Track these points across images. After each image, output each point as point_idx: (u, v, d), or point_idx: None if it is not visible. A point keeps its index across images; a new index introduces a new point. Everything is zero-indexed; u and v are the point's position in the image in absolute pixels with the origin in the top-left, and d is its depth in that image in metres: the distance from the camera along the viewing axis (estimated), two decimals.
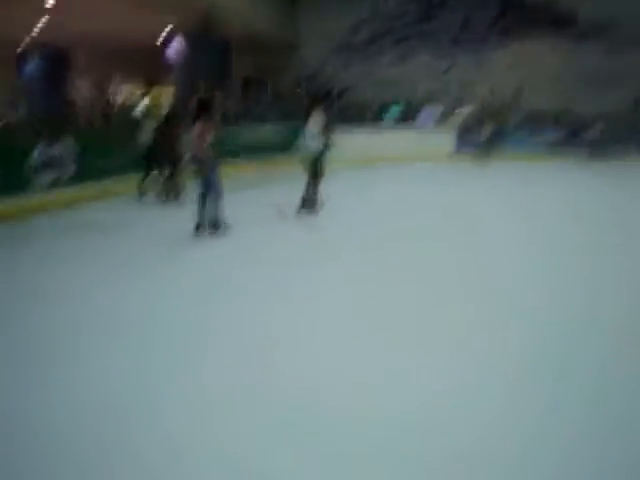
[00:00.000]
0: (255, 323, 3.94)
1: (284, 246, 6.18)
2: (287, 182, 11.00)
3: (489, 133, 16.37)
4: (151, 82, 24.46)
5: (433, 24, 23.08)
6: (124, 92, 20.35)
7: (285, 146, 15.32)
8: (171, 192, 9.48)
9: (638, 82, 19.73)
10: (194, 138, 6.17)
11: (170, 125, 9.39)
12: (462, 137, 17.12)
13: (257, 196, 9.76)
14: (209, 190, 6.24)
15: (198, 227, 6.44)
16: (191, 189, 9.92)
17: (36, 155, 8.56)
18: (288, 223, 7.46)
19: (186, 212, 7.79)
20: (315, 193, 7.84)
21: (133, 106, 15.76)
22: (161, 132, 9.42)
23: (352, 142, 15.84)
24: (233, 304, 4.27)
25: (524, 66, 21.25)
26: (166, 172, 9.49)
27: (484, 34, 22.65)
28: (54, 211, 8.42)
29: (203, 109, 6.32)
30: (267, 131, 15.23)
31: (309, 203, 7.90)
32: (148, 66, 22.08)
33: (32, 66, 20.67)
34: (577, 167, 14.84)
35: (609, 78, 20.74)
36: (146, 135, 9.62)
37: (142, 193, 9.62)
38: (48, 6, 14.90)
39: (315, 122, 7.61)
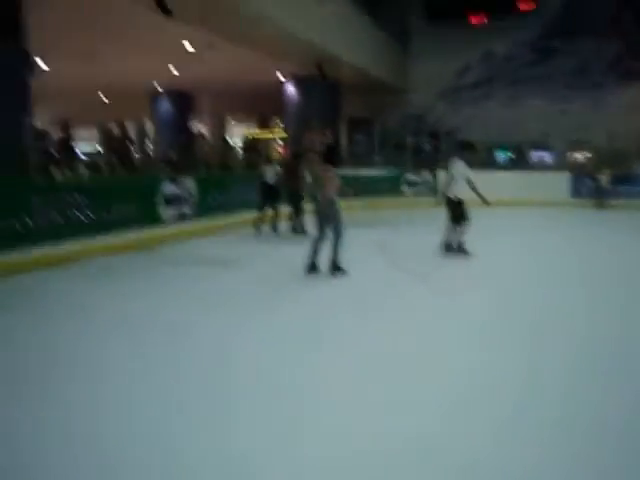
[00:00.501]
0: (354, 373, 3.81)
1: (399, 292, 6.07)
2: (394, 223, 11.12)
3: (607, 179, 15.40)
4: (267, 122, 26.07)
5: (547, 68, 22.49)
6: (241, 133, 21.65)
7: (390, 189, 15.54)
8: (295, 229, 10.04)
9: None
10: (322, 180, 6.34)
11: (294, 166, 9.90)
12: (578, 183, 16.22)
13: (369, 235, 9.82)
14: (333, 232, 6.33)
15: (311, 267, 6.51)
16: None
17: (163, 191, 9.33)
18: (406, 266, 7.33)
19: (300, 250, 8.08)
20: (460, 237, 7.93)
21: (249, 147, 16.66)
22: (285, 172, 10.08)
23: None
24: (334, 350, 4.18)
25: None
26: (289, 210, 10.12)
27: (601, 78, 21.69)
28: (177, 243, 9.04)
29: (331, 153, 6.62)
30: (373, 173, 15.42)
31: (451, 247, 7.95)
32: (264, 108, 23.54)
33: (162, 108, 22.84)
34: None
35: None
36: (267, 175, 10.24)
37: (259, 230, 10.18)
38: (179, 56, 16.30)
39: (458, 167, 7.78)
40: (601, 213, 14.78)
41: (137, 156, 12.63)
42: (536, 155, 19.84)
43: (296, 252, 7.92)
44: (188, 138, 16.68)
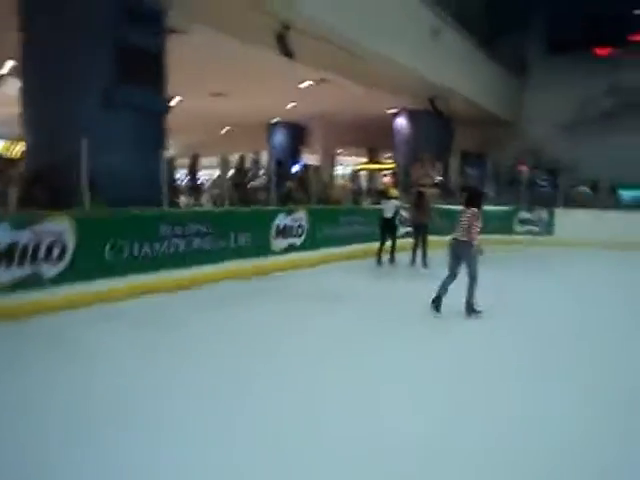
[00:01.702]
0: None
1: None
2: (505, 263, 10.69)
3: None
4: (376, 154, 26.42)
5: None
6: (352, 165, 22.04)
7: (502, 227, 14.89)
8: (422, 260, 10.53)
9: None
10: (462, 223, 6.44)
11: (420, 200, 10.89)
12: None
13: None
14: (468, 274, 6.42)
15: (436, 301, 6.55)
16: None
17: (277, 222, 9.78)
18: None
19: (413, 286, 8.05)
20: None
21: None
22: (413, 206, 11.01)
23: (584, 224, 14.64)
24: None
25: None
26: (414, 242, 10.74)
27: None
28: (285, 273, 9.39)
29: (475, 198, 6.67)
30: (485, 209, 14.88)
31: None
32: (375, 140, 23.91)
33: (278, 137, 24.10)
34: None
35: None
36: (386, 209, 10.85)
37: (379, 262, 10.73)
38: (295, 91, 17.15)
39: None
40: None
41: (254, 186, 13.31)
42: None
43: (406, 287, 7.96)
44: (302, 170, 17.29)
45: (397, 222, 11.16)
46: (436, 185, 16.61)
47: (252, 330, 5.85)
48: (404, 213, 12.17)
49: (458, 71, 16.93)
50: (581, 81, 21.84)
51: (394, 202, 10.95)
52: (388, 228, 10.83)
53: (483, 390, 4.26)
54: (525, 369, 4.82)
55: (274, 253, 9.74)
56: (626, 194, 18.19)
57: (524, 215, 15.62)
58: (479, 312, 6.50)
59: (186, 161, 15.07)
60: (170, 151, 12.06)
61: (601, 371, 4.78)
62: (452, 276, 6.54)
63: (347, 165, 26.14)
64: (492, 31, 20.93)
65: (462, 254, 6.43)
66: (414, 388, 4.28)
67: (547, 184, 18.19)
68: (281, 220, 9.91)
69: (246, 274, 8.71)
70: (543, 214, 15.59)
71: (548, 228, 15.46)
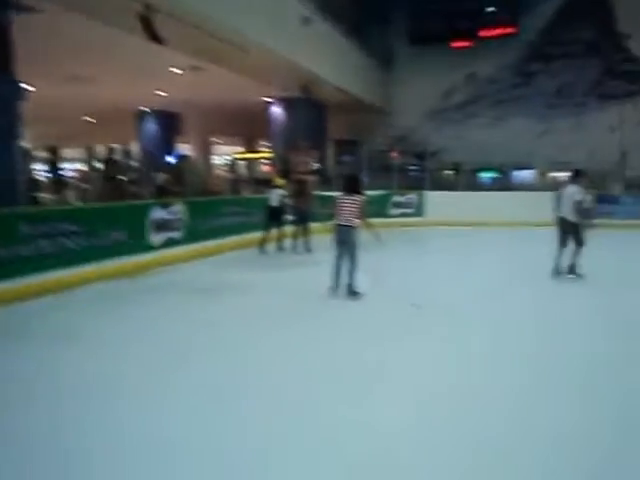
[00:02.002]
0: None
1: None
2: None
3: (591, 200, 15.62)
4: (253, 143, 26.19)
5: (529, 89, 23.11)
6: (230, 154, 21.65)
7: (378, 210, 15.60)
8: (304, 246, 10.85)
9: None
10: (345, 209, 6.62)
11: (302, 188, 11.12)
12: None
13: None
14: (349, 257, 6.66)
15: (333, 289, 6.81)
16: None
17: (153, 217, 9.31)
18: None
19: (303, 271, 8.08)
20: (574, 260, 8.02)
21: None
22: (294, 194, 11.05)
23: (450, 205, 15.92)
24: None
25: (627, 129, 20.49)
26: (295, 230, 11.05)
27: (582, 99, 22.32)
28: (167, 268, 9.00)
29: (354, 184, 6.79)
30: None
31: (569, 269, 8.09)
32: (251, 128, 23.67)
33: (149, 126, 22.86)
34: None
35: None
36: (272, 198, 10.90)
37: (263, 250, 10.76)
38: (165, 79, 16.38)
39: (578, 191, 8.03)
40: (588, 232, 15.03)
41: (124, 179, 12.54)
42: (519, 175, 20.19)
43: (297, 274, 8.02)
44: (177, 161, 16.65)
45: (283, 210, 11.30)
46: (314, 172, 16.91)
47: (128, 334, 5.50)
48: (288, 201, 12.26)
49: (329, 60, 17.35)
50: (443, 72, 23.52)
51: (280, 191, 11.04)
52: (275, 217, 10.91)
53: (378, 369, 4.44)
54: (412, 338, 5.14)
55: (153, 248, 9.28)
56: (484, 176, 20.04)
57: (397, 198, 16.48)
58: (359, 294, 6.71)
59: (45, 154, 13.76)
60: (26, 143, 10.93)
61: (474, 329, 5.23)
62: (340, 260, 6.77)
63: (225, 154, 25.59)
64: (360, 22, 21.71)
65: (346, 239, 6.62)
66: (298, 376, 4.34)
67: (416, 168, 19.40)
68: (157, 214, 9.46)
69: (124, 272, 8.20)
70: (414, 197, 16.56)
71: (419, 210, 16.48)
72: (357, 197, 6.63)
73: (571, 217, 7.96)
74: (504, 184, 18.52)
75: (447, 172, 19.84)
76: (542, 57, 23.09)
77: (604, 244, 10.38)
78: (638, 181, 17.24)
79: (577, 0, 22.56)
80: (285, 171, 12.25)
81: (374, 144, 21.76)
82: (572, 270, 8.02)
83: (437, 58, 23.34)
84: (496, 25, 22.62)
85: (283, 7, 14.31)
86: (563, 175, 19.43)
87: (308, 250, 10.79)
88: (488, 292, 7.33)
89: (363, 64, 21.21)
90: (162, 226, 9.55)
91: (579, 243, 7.89)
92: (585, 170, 8.44)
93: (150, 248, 9.20)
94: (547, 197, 16.11)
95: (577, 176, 8.21)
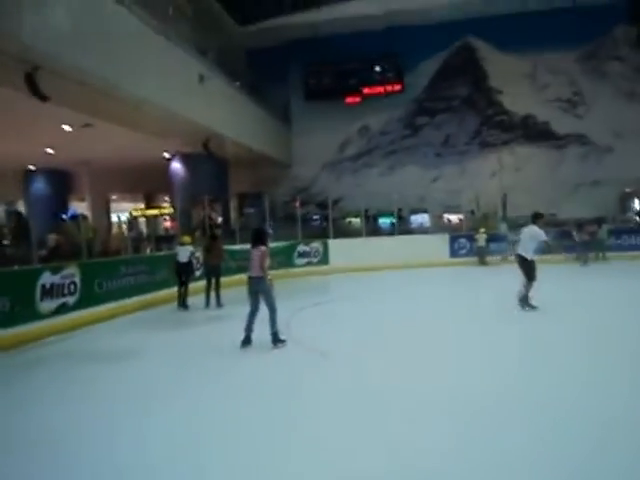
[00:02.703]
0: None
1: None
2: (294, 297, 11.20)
3: (485, 239, 16.81)
4: (154, 199, 25.56)
5: (418, 140, 24.92)
6: (129, 211, 20.95)
7: (284, 260, 15.75)
8: (216, 300, 10.65)
9: (616, 186, 20.97)
10: (254, 262, 6.81)
11: (213, 244, 10.92)
12: (455, 243, 17.57)
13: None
14: (267, 307, 6.80)
15: (245, 341, 6.86)
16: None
17: (42, 282, 8.68)
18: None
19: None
20: (527, 292, 8.53)
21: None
22: (206, 248, 10.95)
23: (354, 251, 16.40)
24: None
25: (506, 173, 22.54)
26: (207, 285, 10.77)
27: (464, 147, 24.41)
28: (60, 336, 8.36)
29: (259, 237, 7.02)
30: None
31: (522, 300, 8.59)
32: (151, 184, 23.15)
33: (37, 185, 21.62)
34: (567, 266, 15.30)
35: (589, 183, 22.10)
36: (180, 254, 10.72)
37: (183, 305, 10.59)
38: (55, 136, 15.72)
39: (532, 231, 8.52)
40: (485, 268, 16.17)
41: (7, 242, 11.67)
42: (415, 219, 21.35)
43: (207, 330, 7.78)
44: (71, 220, 15.79)
45: (193, 266, 11.19)
46: (218, 226, 16.80)
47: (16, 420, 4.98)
48: (198, 256, 12.07)
49: (228, 116, 17.64)
50: (338, 126, 24.77)
51: (189, 247, 10.91)
52: (183, 273, 10.73)
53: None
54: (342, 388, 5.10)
55: (42, 317, 8.60)
56: (384, 221, 20.97)
57: (302, 248, 16.71)
58: (284, 341, 6.86)
59: None
60: None
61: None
62: (254, 312, 6.90)
63: (124, 211, 24.69)
64: (258, 79, 22.50)
65: (258, 289, 6.82)
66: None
67: (319, 218, 19.90)
68: (47, 279, 8.83)
69: (7, 344, 7.49)
70: (318, 246, 16.88)
71: (324, 258, 16.81)
72: (261, 248, 6.87)
73: (525, 254, 8.51)
74: (402, 228, 19.45)
75: (349, 220, 20.54)
76: (427, 111, 25.08)
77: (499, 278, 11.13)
78: (519, 220, 18.82)
79: (454, 60, 24.93)
80: (193, 228, 12.12)
81: (277, 195, 22.17)
82: (524, 301, 8.55)
83: (332, 113, 24.59)
84: (383, 83, 24.41)
85: (178, 65, 14.45)
86: (455, 217, 20.92)
87: (220, 305, 10.61)
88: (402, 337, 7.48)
89: (262, 119, 21.76)
90: (52, 292, 8.92)
91: (530, 278, 8.45)
92: (541, 212, 9.01)
93: (39, 316, 8.52)
94: (441, 239, 17.47)
95: (536, 218, 8.78)
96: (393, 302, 10.65)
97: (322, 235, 17.50)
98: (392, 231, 19.13)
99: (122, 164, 20.46)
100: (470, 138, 24.58)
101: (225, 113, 17.42)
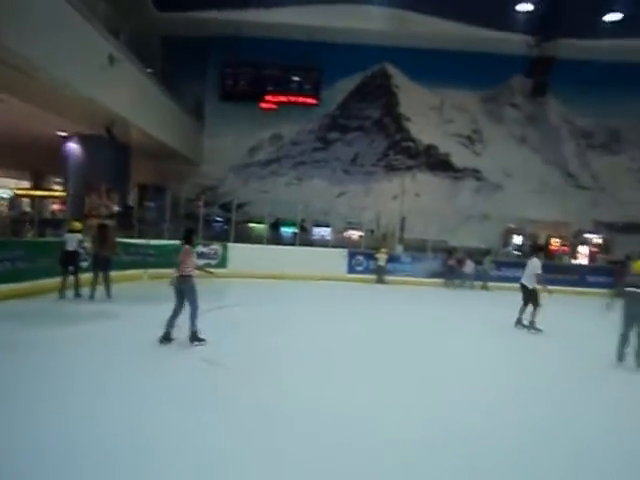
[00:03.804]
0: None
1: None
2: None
3: (386, 258, 17.35)
4: (42, 179, 23.63)
5: (328, 154, 25.43)
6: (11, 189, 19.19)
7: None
8: (106, 292, 10.11)
9: (501, 221, 22.78)
10: (180, 259, 6.85)
11: (104, 234, 10.37)
12: (354, 260, 18.01)
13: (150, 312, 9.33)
14: (190, 305, 6.86)
15: (165, 337, 6.86)
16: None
17: None
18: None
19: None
20: (533, 317, 9.51)
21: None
22: (96, 240, 10.38)
23: (253, 257, 16.23)
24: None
25: (407, 198, 23.63)
26: (94, 276, 10.20)
27: (371, 168, 25.31)
28: None
29: (187, 236, 7.05)
30: (162, 243, 14.90)
31: (521, 323, 9.70)
32: (41, 163, 21.36)
33: None
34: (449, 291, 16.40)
35: (479, 216, 23.83)
36: (68, 243, 10.05)
37: (63, 295, 9.92)
38: None
39: (535, 264, 9.48)
40: (383, 287, 16.71)
41: None
42: (318, 231, 21.64)
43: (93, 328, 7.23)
44: None
45: (79, 256, 10.45)
46: (112, 216, 15.88)
47: None
48: (87, 245, 11.24)
49: (136, 103, 16.80)
50: (250, 130, 24.60)
51: (77, 235, 10.25)
52: (71, 262, 10.07)
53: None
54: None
55: None
56: (286, 231, 21.03)
57: (201, 249, 16.24)
58: (203, 340, 6.93)
59: None
60: None
61: None
62: (179, 310, 6.94)
63: (5, 188, 22.57)
64: (173, 71, 21.71)
65: (182, 288, 6.88)
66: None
67: (222, 220, 19.51)
68: None
69: None
70: (217, 248, 16.53)
71: (222, 261, 16.47)
72: (185, 247, 6.98)
73: (529, 284, 9.44)
74: (304, 239, 19.62)
75: (251, 225, 20.35)
76: (339, 127, 25.70)
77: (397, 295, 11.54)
78: (414, 243, 19.80)
79: (370, 82, 25.82)
80: (78, 212, 11.30)
81: (181, 192, 21.42)
82: (532, 325, 9.44)
83: (246, 116, 24.38)
84: (300, 93, 24.61)
85: (89, 44, 13.54)
86: (355, 234, 21.51)
87: (109, 296, 10.08)
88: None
89: (173, 112, 21.01)
90: None
91: (535, 304, 9.38)
92: (542, 245, 9.85)
93: None
94: (340, 254, 17.85)
95: (536, 250, 9.91)
96: (293, 311, 10.67)
97: (223, 238, 17.16)
98: (293, 241, 19.21)
99: (9, 137, 18.68)
100: (377, 159, 25.51)
101: (133, 99, 16.58)
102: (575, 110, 25.11)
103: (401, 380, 6.08)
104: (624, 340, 7.06)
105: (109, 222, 13.33)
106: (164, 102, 19.88)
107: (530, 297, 9.46)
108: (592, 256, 20.48)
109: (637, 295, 6.92)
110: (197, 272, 7.06)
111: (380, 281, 17.28)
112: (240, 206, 20.58)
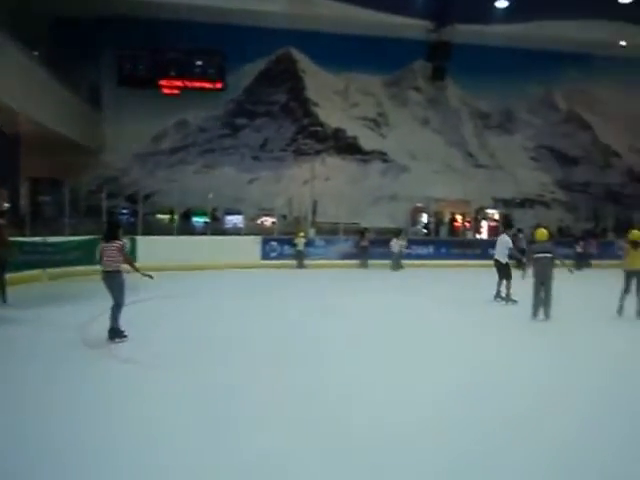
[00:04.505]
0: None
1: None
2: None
3: (303, 243, 17.35)
4: None
5: (236, 141, 24.95)
6: None
7: (84, 257, 14.19)
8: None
9: (409, 201, 23.62)
10: (108, 257, 6.73)
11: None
12: (268, 246, 17.89)
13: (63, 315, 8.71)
14: (113, 301, 6.77)
15: (112, 333, 6.74)
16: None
17: None
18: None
19: None
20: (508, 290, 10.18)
21: None
22: None
23: (164, 249, 15.59)
24: None
25: (317, 182, 23.80)
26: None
27: (280, 154, 25.20)
28: None
29: (114, 231, 6.95)
30: (63, 239, 13.95)
31: (500, 296, 10.39)
32: None
33: None
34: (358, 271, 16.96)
35: (388, 197, 24.56)
36: None
37: None
38: None
39: (504, 239, 10.35)
40: (304, 271, 16.76)
41: None
42: (230, 220, 21.25)
43: None
44: None
45: None
46: (2, 214, 14.60)
47: None
48: None
49: (22, 89, 15.46)
50: (153, 116, 23.46)
51: None
52: None
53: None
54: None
55: None
56: (197, 220, 20.46)
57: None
58: (125, 336, 6.78)
59: None
60: None
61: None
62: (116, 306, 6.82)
63: None
64: (63, 57, 20.10)
65: (111, 284, 6.76)
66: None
67: (127, 212, 18.59)
68: None
69: None
70: (125, 242, 15.74)
71: (132, 255, 15.70)
72: (117, 243, 6.84)
73: (501, 259, 10.06)
74: (216, 228, 19.20)
75: (161, 216, 19.59)
76: (247, 113, 25.27)
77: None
78: (326, 226, 20.06)
79: (275, 67, 25.57)
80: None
81: (81, 185, 20.11)
82: (507, 297, 10.14)
83: (148, 102, 23.18)
84: (204, 78, 23.72)
85: None
86: (268, 220, 21.38)
87: (4, 302, 9.34)
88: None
89: (66, 99, 19.59)
90: None
91: (507, 277, 10.08)
92: (511, 223, 10.51)
93: None
94: (253, 241, 17.65)
95: (505, 227, 10.81)
96: (211, 302, 10.40)
97: (130, 231, 16.33)
98: (205, 231, 18.75)
99: None
100: (286, 145, 25.43)
101: (18, 84, 15.21)
102: (472, 93, 26.44)
103: (348, 365, 6.10)
104: (536, 296, 8.49)
105: (1, 220, 12.22)
106: (55, 88, 18.48)
107: (503, 271, 10.09)
108: (492, 231, 21.77)
109: (544, 259, 8.36)
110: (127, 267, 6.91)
111: (300, 265, 17.34)
112: (147, 197, 19.77)
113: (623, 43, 24.08)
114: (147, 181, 22.53)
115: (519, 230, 17.12)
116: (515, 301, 9.99)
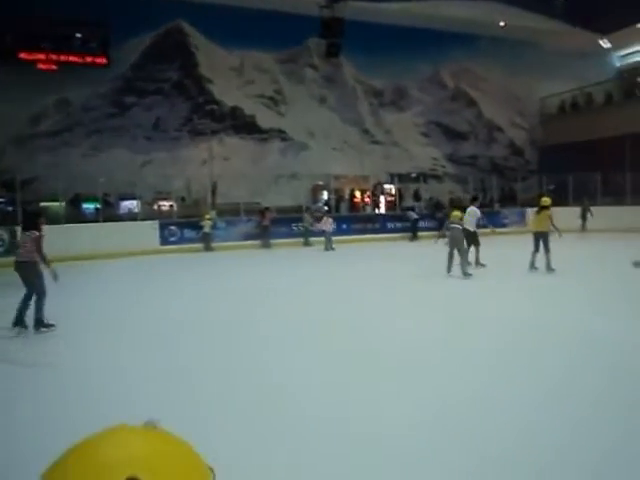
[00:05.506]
0: None
1: None
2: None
3: (210, 226, 16.67)
4: None
5: (126, 120, 23.51)
6: None
7: None
8: None
9: (309, 179, 23.76)
10: (26, 244, 6.58)
11: None
12: (166, 231, 17.13)
13: None
14: (35, 291, 6.56)
15: (17, 324, 6.52)
16: None
17: None
18: None
19: None
20: (477, 256, 10.97)
21: None
22: None
23: (54, 239, 14.36)
24: None
25: (216, 163, 23.20)
26: None
27: (176, 134, 24.17)
28: None
29: (32, 221, 6.82)
30: None
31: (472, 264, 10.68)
32: None
33: None
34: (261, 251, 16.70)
35: (288, 175, 24.49)
36: None
37: None
38: None
39: (473, 211, 10.73)
40: (211, 254, 16.15)
41: None
42: (124, 205, 20.11)
43: None
44: None
45: None
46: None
47: None
48: None
49: None
50: (29, 95, 21.43)
51: None
52: None
53: None
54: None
55: None
56: (88, 207, 19.14)
57: None
58: (52, 325, 6.63)
59: None
60: None
61: None
62: (27, 297, 6.62)
63: None
64: None
65: (25, 274, 6.59)
66: None
67: (4, 201, 16.95)
68: None
69: None
70: (3, 233, 14.38)
71: (11, 249, 14.38)
72: (33, 233, 6.60)
73: (470, 228, 10.46)
74: (110, 214, 18.07)
75: (45, 204, 18.03)
76: (136, 91, 23.89)
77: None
78: (227, 207, 19.64)
79: (164, 41, 24.33)
80: None
81: None
82: (477, 262, 10.80)
83: (22, 79, 21.05)
84: (85, 53, 21.74)
85: None
86: (166, 204, 20.49)
87: None
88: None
89: None
90: None
91: (476, 244, 10.71)
92: (478, 196, 12.30)
93: None
94: (151, 226, 16.80)
95: (474, 200, 11.39)
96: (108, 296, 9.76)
97: (9, 222, 14.91)
98: (97, 217, 17.59)
99: None
100: (181, 124, 24.47)
101: None
102: (366, 70, 26.94)
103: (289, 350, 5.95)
104: (450, 257, 9.99)
105: None
106: None
107: (471, 239, 10.59)
108: (389, 205, 22.49)
109: (455, 228, 9.96)
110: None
111: (207, 249, 16.66)
112: (26, 183, 18.11)
113: (502, 23, 25.62)
114: (26, 166, 20.58)
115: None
116: (484, 265, 10.81)
